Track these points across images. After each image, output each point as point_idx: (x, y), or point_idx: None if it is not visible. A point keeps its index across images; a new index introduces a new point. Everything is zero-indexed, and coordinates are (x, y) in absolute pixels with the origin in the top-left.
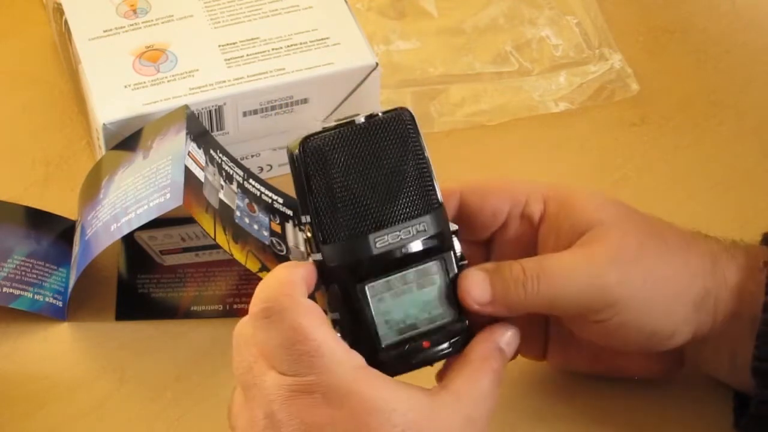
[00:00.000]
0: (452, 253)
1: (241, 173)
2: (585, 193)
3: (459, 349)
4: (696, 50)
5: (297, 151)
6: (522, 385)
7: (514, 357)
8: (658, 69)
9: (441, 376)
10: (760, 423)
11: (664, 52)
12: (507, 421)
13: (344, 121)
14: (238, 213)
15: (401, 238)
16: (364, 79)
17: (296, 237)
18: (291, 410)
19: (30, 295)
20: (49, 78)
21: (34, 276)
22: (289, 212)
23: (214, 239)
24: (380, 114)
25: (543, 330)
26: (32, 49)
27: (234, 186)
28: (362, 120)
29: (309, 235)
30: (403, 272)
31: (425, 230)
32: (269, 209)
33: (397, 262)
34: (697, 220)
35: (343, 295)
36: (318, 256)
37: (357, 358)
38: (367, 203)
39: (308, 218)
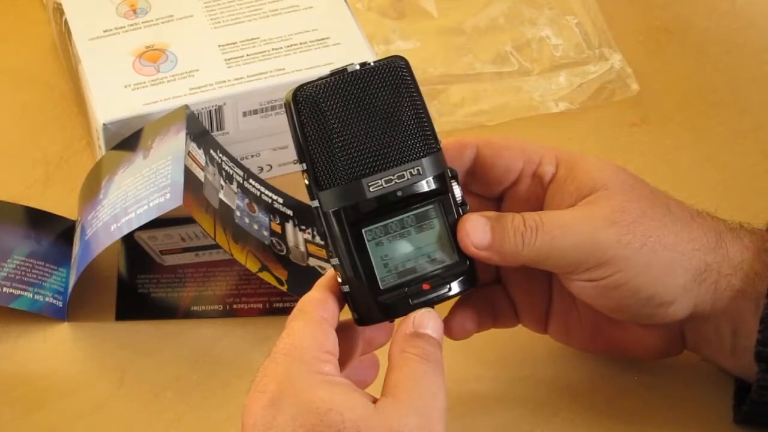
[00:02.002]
0: (451, 196)
1: (241, 173)
2: (594, 159)
3: (459, 292)
4: (696, 50)
5: (290, 99)
6: (522, 382)
7: (468, 335)
8: (658, 69)
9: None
10: (761, 409)
11: (664, 52)
12: (507, 420)
13: (338, 69)
14: (238, 213)
15: (395, 182)
16: None
17: (296, 237)
18: (249, 412)
19: (30, 295)
20: (49, 78)
21: (34, 276)
22: (289, 212)
23: (214, 239)
24: (372, 62)
25: (546, 301)
26: (32, 49)
27: (234, 186)
28: (356, 68)
29: (306, 182)
30: (401, 216)
31: (421, 174)
32: (269, 209)
33: (394, 205)
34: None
35: (342, 239)
36: (315, 203)
37: (322, 366)
38: (360, 148)
39: (304, 166)
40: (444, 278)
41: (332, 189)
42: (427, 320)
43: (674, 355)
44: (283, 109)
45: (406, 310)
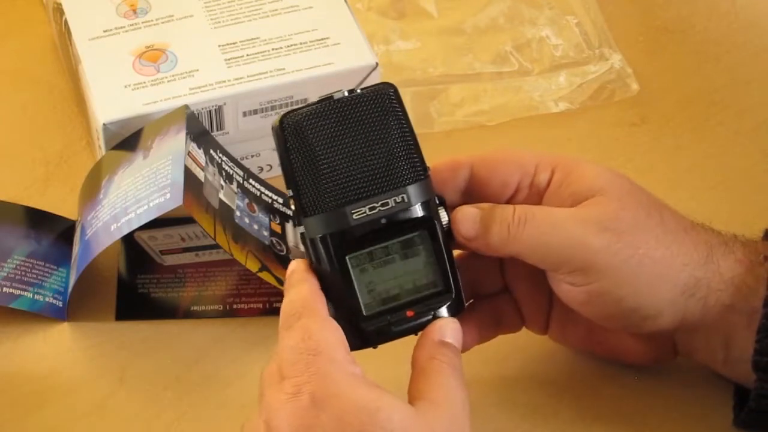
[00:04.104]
0: (437, 223)
1: (241, 173)
2: (591, 165)
3: (449, 311)
4: (696, 50)
5: (277, 126)
6: (523, 383)
7: (483, 340)
8: (658, 69)
9: (408, 393)
10: (759, 417)
11: (664, 52)
12: (507, 420)
13: (325, 96)
14: (238, 213)
15: (379, 210)
16: (364, 79)
17: (296, 237)
18: (283, 415)
19: (30, 295)
20: (49, 78)
21: (34, 276)
22: (289, 212)
23: (214, 239)
24: (359, 89)
25: (547, 303)
26: (32, 49)
27: (234, 186)
28: (343, 95)
29: (293, 208)
30: (386, 243)
31: (406, 201)
32: (269, 209)
33: (379, 233)
34: (696, 220)
35: (326, 266)
36: (301, 229)
37: (353, 367)
38: (344, 175)
39: (291, 192)
40: (428, 305)
41: (316, 216)
42: (451, 330)
43: (667, 362)
44: (283, 109)
45: (388, 337)
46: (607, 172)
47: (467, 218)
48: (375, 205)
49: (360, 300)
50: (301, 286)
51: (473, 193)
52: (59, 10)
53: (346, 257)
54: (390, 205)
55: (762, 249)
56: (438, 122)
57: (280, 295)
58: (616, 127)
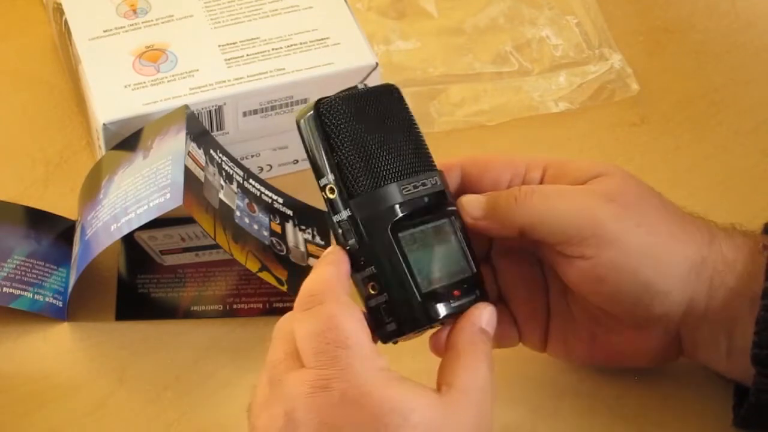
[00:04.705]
0: (457, 215)
1: (241, 173)
2: (585, 159)
3: (485, 299)
4: (696, 50)
5: (311, 113)
6: (523, 383)
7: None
8: (658, 69)
9: (440, 375)
10: (759, 412)
11: (664, 52)
12: (507, 420)
13: (347, 88)
14: (238, 213)
15: (421, 189)
16: (364, 79)
17: (296, 237)
18: (309, 408)
19: (30, 295)
20: (49, 78)
21: (34, 276)
22: (289, 212)
23: (214, 239)
24: (372, 86)
25: (545, 316)
26: (32, 49)
27: (234, 186)
28: (363, 86)
29: (332, 196)
30: (423, 227)
31: (438, 184)
32: (269, 209)
33: (422, 212)
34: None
35: (380, 244)
36: (345, 213)
37: (381, 361)
38: (390, 153)
39: (331, 178)
40: (468, 286)
41: (365, 194)
42: (490, 316)
43: (670, 361)
44: (283, 109)
45: (449, 312)
46: (603, 162)
47: (472, 201)
48: (417, 183)
49: (417, 278)
50: (328, 267)
51: (466, 192)
52: (59, 10)
53: (399, 235)
54: (428, 185)
55: (761, 239)
56: (438, 122)
57: (280, 295)
58: (616, 127)
